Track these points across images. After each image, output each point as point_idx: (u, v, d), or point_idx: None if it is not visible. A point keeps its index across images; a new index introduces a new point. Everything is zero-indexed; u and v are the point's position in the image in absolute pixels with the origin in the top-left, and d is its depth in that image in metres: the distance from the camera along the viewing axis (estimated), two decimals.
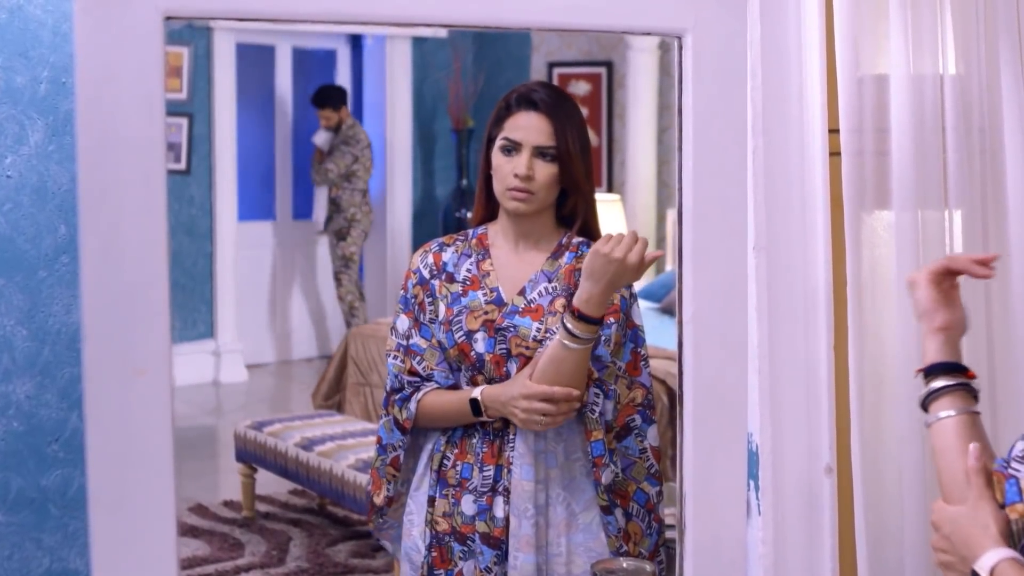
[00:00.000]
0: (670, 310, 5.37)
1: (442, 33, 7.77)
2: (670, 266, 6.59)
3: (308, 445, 4.49)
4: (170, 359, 1.57)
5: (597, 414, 2.14)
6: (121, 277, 1.55)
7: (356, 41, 8.26)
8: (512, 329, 2.15)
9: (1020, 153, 2.28)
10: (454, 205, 7.84)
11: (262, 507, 4.86)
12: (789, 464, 2.25)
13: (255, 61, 7.73)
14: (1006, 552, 1.44)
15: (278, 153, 8.02)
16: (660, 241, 7.13)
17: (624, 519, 2.18)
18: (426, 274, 2.23)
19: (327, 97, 7.51)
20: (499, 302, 2.18)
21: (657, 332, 2.46)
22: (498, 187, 2.18)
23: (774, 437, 2.23)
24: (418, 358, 2.20)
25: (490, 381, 2.16)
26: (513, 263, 2.21)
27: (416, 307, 2.22)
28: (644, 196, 7.32)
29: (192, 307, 7.20)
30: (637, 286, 2.22)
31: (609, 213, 6.37)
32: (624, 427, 2.19)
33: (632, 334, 2.20)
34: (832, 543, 2.26)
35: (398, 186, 8.13)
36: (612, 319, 2.15)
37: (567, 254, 2.21)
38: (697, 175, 1.79)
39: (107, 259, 1.54)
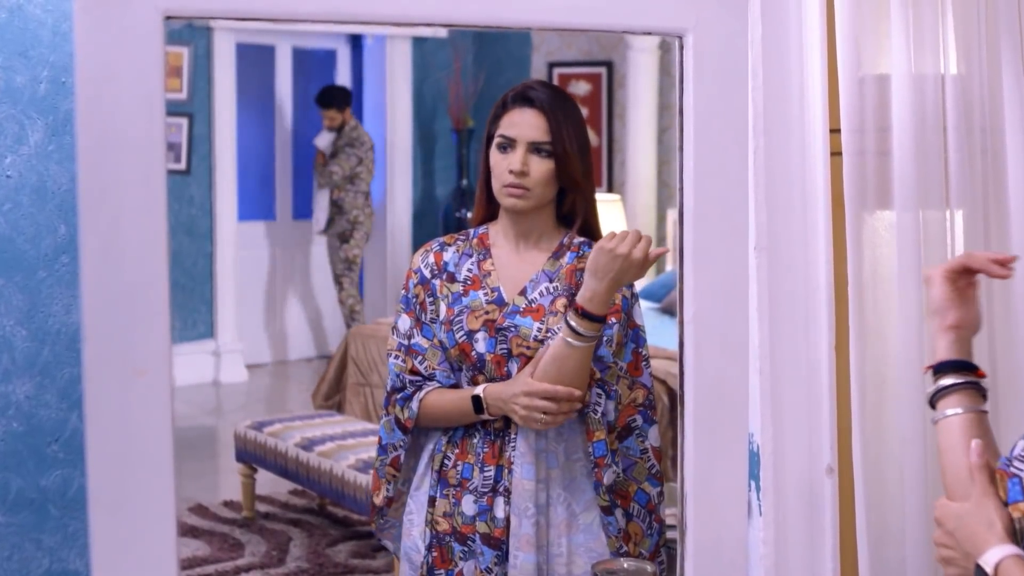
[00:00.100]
0: (670, 310, 5.37)
1: (442, 33, 7.77)
2: (670, 266, 6.59)
3: (308, 445, 4.49)
4: (170, 359, 1.57)
5: (599, 415, 2.14)
6: (121, 277, 1.54)
7: (356, 41, 8.26)
8: (513, 329, 2.15)
9: (1021, 153, 2.27)
10: (454, 205, 7.83)
11: (262, 507, 4.85)
12: (790, 464, 2.25)
13: (255, 61, 7.73)
14: (1011, 549, 1.44)
15: (278, 153, 8.01)
16: (660, 241, 7.12)
17: (624, 520, 2.18)
18: (427, 274, 2.23)
19: (333, 97, 7.48)
20: (500, 302, 2.18)
21: (657, 332, 2.46)
22: (495, 184, 2.18)
23: (775, 437, 2.22)
24: (420, 358, 2.20)
25: (491, 381, 2.16)
26: (514, 263, 2.21)
27: (417, 307, 2.22)
28: (644, 196, 7.31)
29: (192, 307, 7.19)
30: (637, 286, 2.22)
31: (609, 213, 6.37)
32: (625, 427, 2.19)
33: (633, 334, 2.20)
34: (833, 544, 2.26)
35: (398, 186, 8.13)
36: (614, 319, 2.15)
37: (568, 254, 2.20)
38: (698, 175, 1.79)
39: (107, 259, 1.54)
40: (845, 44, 2.22)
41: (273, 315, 7.88)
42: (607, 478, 2.15)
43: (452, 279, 2.21)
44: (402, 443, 2.22)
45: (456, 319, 2.17)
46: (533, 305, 2.16)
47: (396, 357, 2.23)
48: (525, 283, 2.19)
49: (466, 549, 2.17)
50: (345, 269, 7.47)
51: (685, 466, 1.82)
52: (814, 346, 2.24)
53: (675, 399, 2.25)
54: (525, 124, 2.15)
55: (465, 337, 2.16)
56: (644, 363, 2.21)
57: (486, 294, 2.18)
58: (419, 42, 8.04)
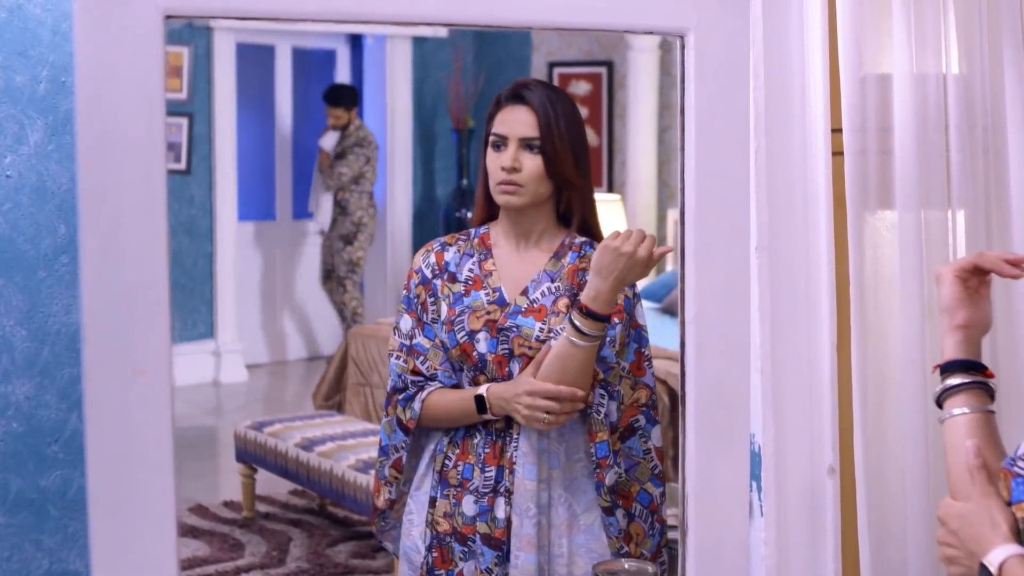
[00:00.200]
0: (671, 310, 5.37)
1: (442, 33, 7.76)
2: (671, 266, 6.59)
3: (308, 445, 4.48)
4: (170, 359, 1.57)
5: (602, 415, 2.14)
6: (121, 277, 1.54)
7: (356, 41, 8.26)
8: (515, 329, 2.14)
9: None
10: (454, 205, 7.83)
11: (262, 507, 4.85)
12: (792, 465, 2.24)
13: (255, 61, 7.73)
14: (1015, 548, 1.44)
15: (278, 153, 8.01)
16: (661, 241, 7.12)
17: (626, 520, 2.18)
18: (428, 274, 2.22)
19: (341, 96, 7.41)
20: (501, 302, 2.17)
21: (658, 332, 2.45)
22: (491, 182, 2.18)
23: (777, 438, 2.22)
24: (421, 358, 2.20)
25: (492, 381, 2.15)
26: (515, 263, 2.21)
27: (419, 307, 2.22)
28: (645, 196, 7.31)
29: (192, 307, 7.19)
30: (638, 286, 2.21)
31: (610, 213, 6.36)
32: (628, 428, 2.18)
33: (636, 334, 2.19)
34: (835, 544, 2.25)
35: (398, 186, 8.13)
36: (616, 319, 2.14)
37: (570, 254, 2.20)
38: (699, 175, 1.78)
39: (107, 259, 1.53)
40: (847, 43, 2.21)
41: (273, 315, 7.87)
42: (609, 479, 2.15)
43: (453, 279, 2.21)
44: (404, 444, 2.22)
45: (457, 319, 2.17)
46: (535, 305, 2.16)
47: (398, 357, 2.22)
48: (527, 283, 2.18)
49: (466, 549, 2.17)
50: (349, 271, 7.41)
51: (686, 466, 1.82)
52: (815, 346, 2.24)
53: (676, 399, 2.25)
54: (516, 121, 2.15)
55: (466, 337, 2.16)
56: (647, 363, 2.20)
57: (487, 294, 2.18)
58: (419, 42, 8.03)
